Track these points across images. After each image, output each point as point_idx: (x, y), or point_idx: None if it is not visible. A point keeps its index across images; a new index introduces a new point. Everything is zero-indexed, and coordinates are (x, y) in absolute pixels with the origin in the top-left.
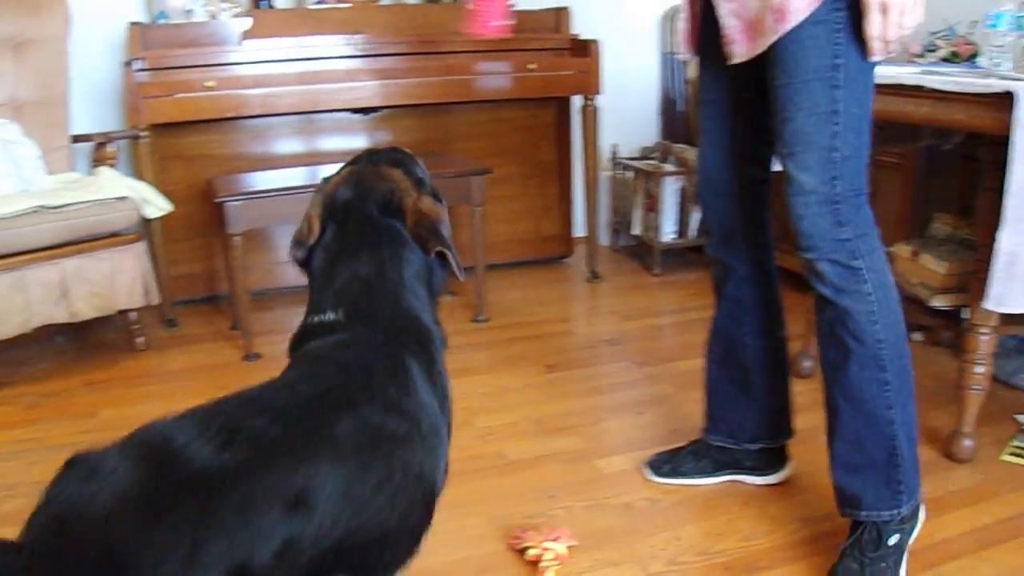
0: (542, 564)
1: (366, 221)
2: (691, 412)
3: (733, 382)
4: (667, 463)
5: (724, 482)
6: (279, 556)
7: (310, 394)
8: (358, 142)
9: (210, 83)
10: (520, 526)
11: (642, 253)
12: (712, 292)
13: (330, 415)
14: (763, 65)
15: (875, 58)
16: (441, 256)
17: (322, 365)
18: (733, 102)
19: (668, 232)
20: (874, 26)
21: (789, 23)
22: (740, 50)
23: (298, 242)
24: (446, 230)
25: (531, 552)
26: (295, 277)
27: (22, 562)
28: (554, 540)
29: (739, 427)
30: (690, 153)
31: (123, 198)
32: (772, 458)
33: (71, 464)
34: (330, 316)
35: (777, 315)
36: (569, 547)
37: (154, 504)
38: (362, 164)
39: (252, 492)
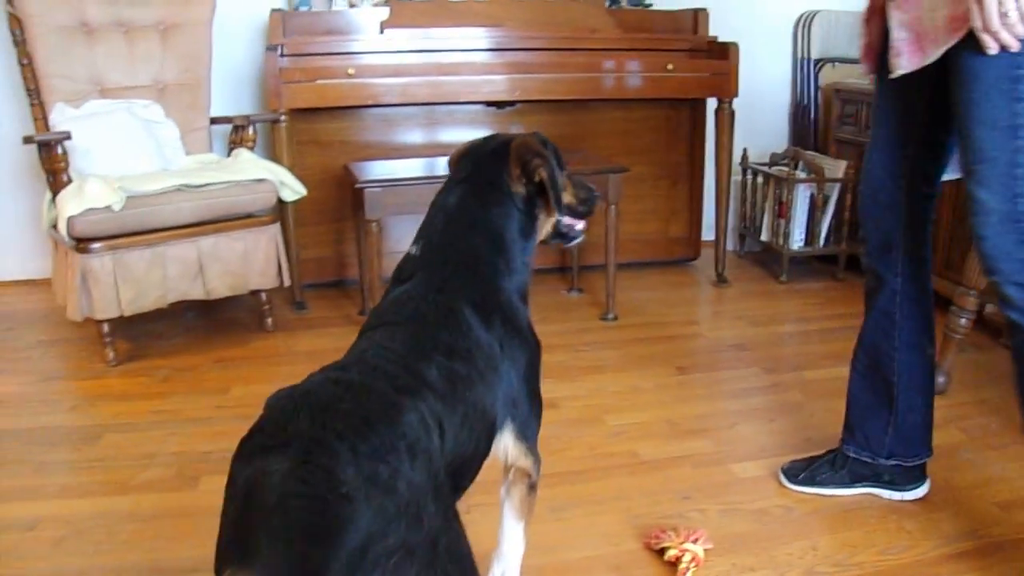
0: (681, 566)
1: (472, 162)
2: (822, 422)
3: (876, 395)
4: (803, 471)
5: (860, 494)
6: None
7: (401, 350)
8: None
9: (351, 71)
10: (657, 526)
11: (768, 260)
12: (862, 301)
13: (420, 365)
14: (939, 78)
15: None
16: (541, 191)
17: (394, 324)
18: (905, 114)
19: (797, 240)
20: None
21: (966, 29)
22: (905, 63)
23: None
24: (550, 160)
25: (670, 553)
26: None
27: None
28: (693, 542)
29: (878, 441)
30: (821, 160)
31: (261, 180)
32: (910, 474)
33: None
34: (413, 250)
35: (928, 332)
36: (706, 550)
37: (360, 406)
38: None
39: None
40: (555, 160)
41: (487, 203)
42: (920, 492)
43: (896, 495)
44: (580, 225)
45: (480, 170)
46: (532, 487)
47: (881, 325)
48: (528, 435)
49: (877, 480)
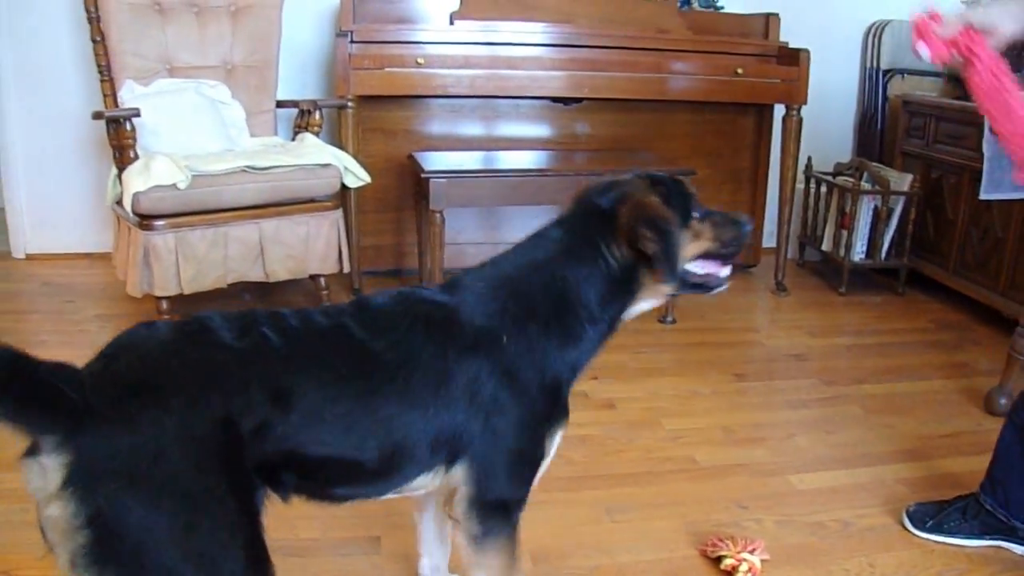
0: (737, 575)
1: (579, 209)
2: (881, 437)
3: None
4: (931, 517)
5: (989, 546)
6: (254, 432)
7: (325, 325)
8: (555, 131)
9: (420, 60)
10: (714, 534)
11: (828, 270)
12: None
13: (323, 344)
14: None
15: None
16: (646, 258)
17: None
18: None
19: (858, 252)
20: None
21: None
22: None
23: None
24: (666, 232)
25: (727, 562)
26: (479, 260)
27: (78, 377)
28: (751, 552)
29: (1018, 504)
30: (887, 172)
31: (326, 165)
32: None
33: (140, 324)
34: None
35: None
36: (763, 561)
37: (183, 354)
38: (630, 176)
39: (251, 375)
40: (680, 215)
41: (571, 259)
42: None
43: None
44: (725, 270)
45: (582, 221)
46: (474, 542)
47: None
48: (483, 485)
49: (1011, 535)
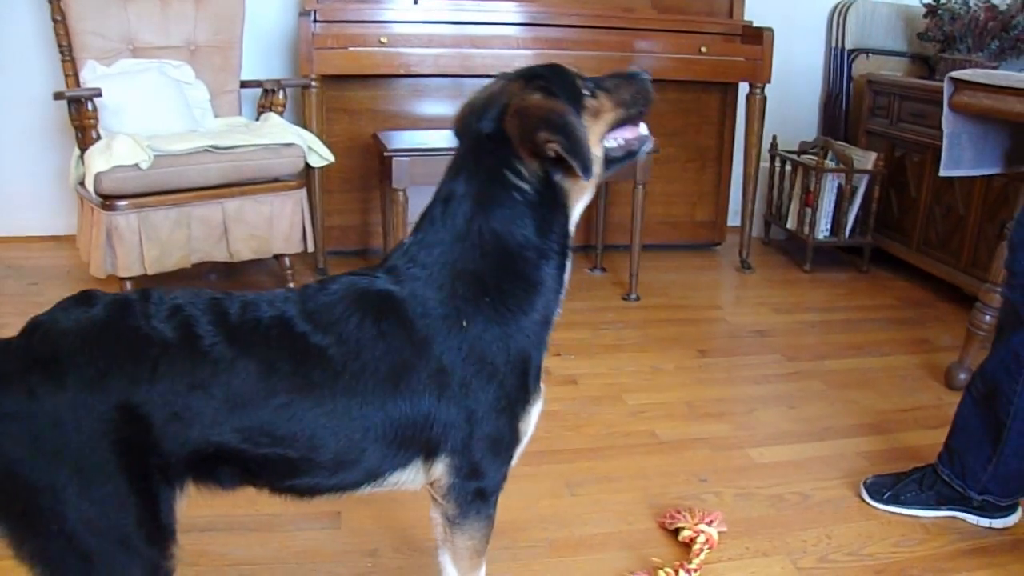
0: (695, 547)
1: (469, 145)
2: (843, 411)
3: (984, 429)
4: (888, 488)
5: (944, 517)
6: (169, 420)
7: (266, 315)
8: None
9: (383, 39)
10: (673, 506)
11: (793, 248)
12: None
13: (260, 336)
14: None
15: None
16: (556, 161)
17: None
18: None
19: (823, 230)
20: None
21: None
22: None
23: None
24: (563, 125)
25: (684, 534)
26: None
27: (3, 346)
28: (708, 524)
29: (973, 474)
30: (851, 151)
31: (290, 145)
32: (1000, 507)
33: (82, 294)
34: (406, 242)
35: None
36: (720, 533)
37: (97, 335)
38: (502, 81)
39: (164, 362)
40: (569, 100)
41: (489, 206)
42: (1011, 520)
43: (984, 521)
44: (641, 129)
45: (475, 160)
46: (451, 523)
47: (1007, 364)
48: (463, 473)
49: (966, 505)
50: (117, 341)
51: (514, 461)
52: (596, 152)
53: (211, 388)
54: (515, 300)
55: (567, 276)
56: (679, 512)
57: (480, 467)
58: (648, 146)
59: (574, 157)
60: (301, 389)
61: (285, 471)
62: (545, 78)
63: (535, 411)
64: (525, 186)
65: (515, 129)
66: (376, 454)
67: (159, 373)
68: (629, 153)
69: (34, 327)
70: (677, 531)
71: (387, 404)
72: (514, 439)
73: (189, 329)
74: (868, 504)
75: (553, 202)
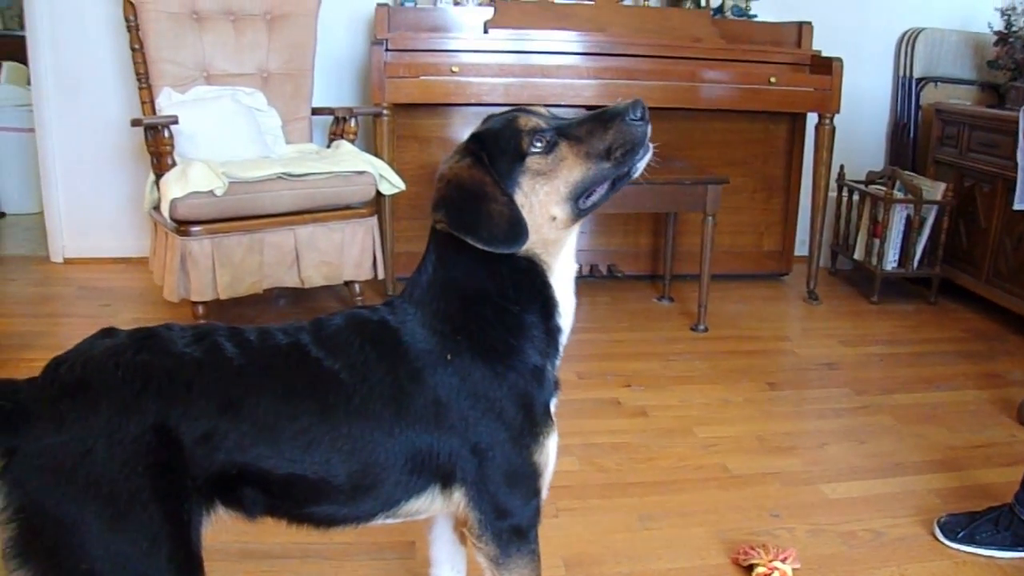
0: None
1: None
2: (913, 447)
3: None
4: (963, 528)
5: (1020, 559)
6: (199, 442)
7: (283, 342)
8: None
9: (455, 68)
10: (746, 542)
11: (860, 279)
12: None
13: (280, 360)
14: None
15: None
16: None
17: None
18: None
19: (890, 260)
20: None
21: None
22: None
23: None
24: (457, 202)
25: (759, 570)
26: None
27: (15, 387)
28: (783, 561)
29: None
30: (920, 181)
31: (362, 172)
32: None
33: (103, 330)
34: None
35: None
36: (794, 570)
37: (130, 357)
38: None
39: (197, 382)
40: (505, 161)
41: (447, 257)
42: None
43: None
44: (641, 158)
45: (433, 226)
46: (494, 564)
47: None
48: (487, 509)
49: None
50: (151, 362)
51: (544, 494)
52: (550, 211)
53: (241, 409)
54: (495, 341)
55: (560, 325)
56: (753, 548)
57: (504, 504)
58: (646, 160)
59: (465, 234)
60: (321, 411)
61: (304, 495)
62: (483, 140)
63: (550, 443)
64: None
65: (433, 208)
66: (391, 478)
67: (194, 393)
68: (611, 188)
69: (58, 362)
70: (751, 567)
71: (393, 428)
72: (532, 472)
73: (218, 352)
74: (942, 543)
75: (509, 256)
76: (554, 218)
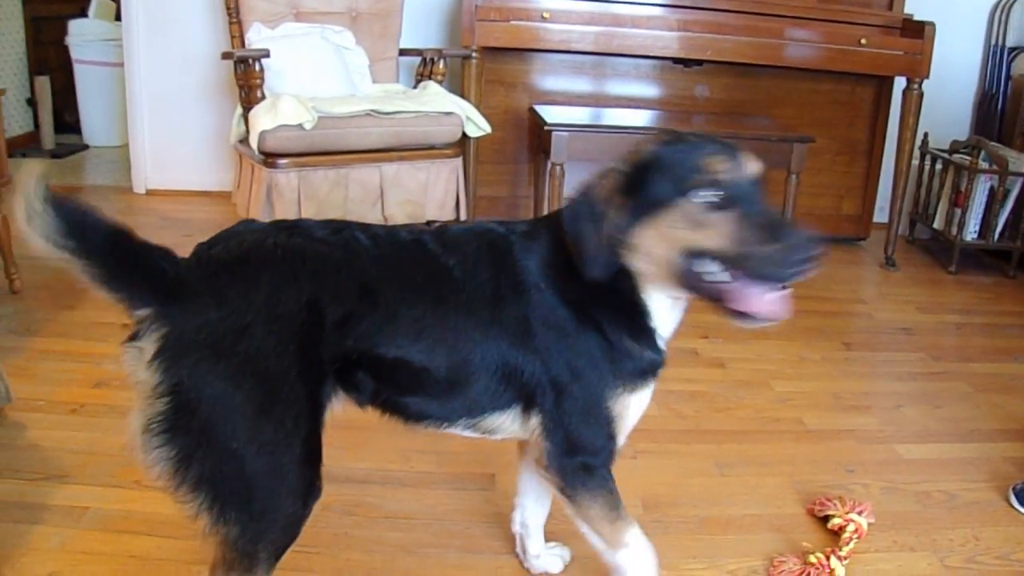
0: (844, 535)
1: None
2: (988, 415)
3: None
4: None
5: None
6: (338, 323)
7: (406, 238)
8: (672, 92)
9: (546, 14)
10: (822, 494)
11: (938, 248)
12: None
13: (404, 252)
14: None
15: None
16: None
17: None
18: None
19: (971, 231)
20: None
21: None
22: None
23: None
24: (578, 214)
25: (834, 521)
26: None
27: (176, 258)
28: (859, 513)
29: None
30: (1006, 152)
31: (449, 113)
32: None
33: (243, 222)
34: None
35: None
36: (869, 524)
37: (285, 240)
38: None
39: (343, 265)
40: (657, 196)
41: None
42: None
43: None
44: (768, 301)
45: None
46: (564, 496)
47: None
48: (559, 441)
49: None
50: (304, 244)
51: (621, 439)
52: (661, 252)
53: (376, 295)
54: (602, 304)
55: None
56: (829, 500)
57: (577, 440)
58: (757, 324)
59: (576, 249)
60: (433, 301)
61: (406, 382)
62: (645, 168)
63: (634, 398)
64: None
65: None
66: (481, 381)
67: (342, 276)
68: (719, 297)
69: (209, 244)
70: (827, 518)
71: (489, 330)
72: (607, 417)
73: (356, 242)
74: (1016, 510)
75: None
76: (667, 260)
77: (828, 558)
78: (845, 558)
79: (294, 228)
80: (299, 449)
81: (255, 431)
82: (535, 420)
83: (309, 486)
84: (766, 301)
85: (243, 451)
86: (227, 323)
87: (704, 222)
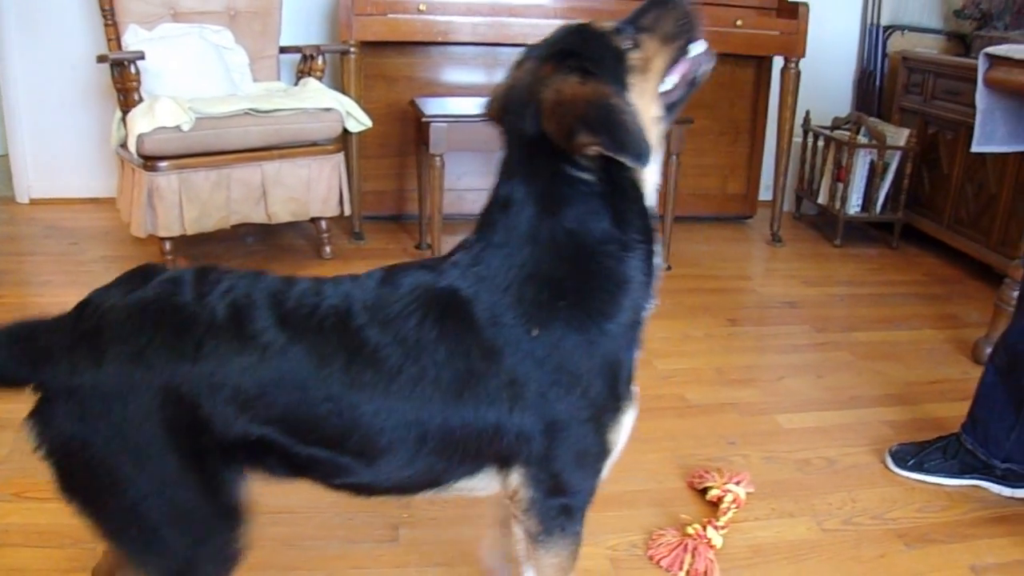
0: (723, 505)
1: (518, 139)
2: (869, 381)
3: (1008, 397)
4: (912, 456)
5: (967, 485)
6: (217, 403)
7: (324, 307)
8: None
9: (422, 7)
10: (702, 467)
11: (824, 223)
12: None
13: (319, 327)
14: None
15: None
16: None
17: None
18: None
19: (854, 205)
20: None
21: None
22: None
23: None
24: (606, 116)
25: (712, 492)
26: (478, 206)
27: (39, 328)
28: (736, 484)
29: (996, 443)
30: (884, 127)
31: (328, 109)
32: (1021, 477)
33: (144, 267)
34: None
35: None
36: (748, 493)
37: (140, 311)
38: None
39: (210, 341)
40: (612, 72)
41: (555, 205)
42: None
43: (1007, 490)
44: (698, 47)
45: (528, 162)
46: (534, 541)
47: None
48: (545, 487)
49: (989, 474)
50: (161, 317)
51: (604, 474)
52: (653, 111)
53: (258, 373)
54: (599, 302)
55: (657, 263)
56: (707, 472)
57: (564, 482)
58: (709, 64)
59: (622, 153)
60: (351, 387)
61: (332, 471)
62: (577, 53)
63: (627, 420)
64: (590, 177)
65: (554, 133)
66: (437, 461)
67: (203, 353)
68: (690, 85)
69: (85, 303)
70: (705, 490)
71: (447, 412)
72: (603, 451)
73: (244, 311)
74: (892, 471)
75: (623, 186)
76: (657, 118)
77: (705, 528)
78: (723, 528)
79: (172, 292)
80: (194, 511)
81: (138, 490)
82: (517, 474)
83: (221, 546)
84: (699, 50)
85: (132, 507)
86: (86, 393)
87: (647, 54)
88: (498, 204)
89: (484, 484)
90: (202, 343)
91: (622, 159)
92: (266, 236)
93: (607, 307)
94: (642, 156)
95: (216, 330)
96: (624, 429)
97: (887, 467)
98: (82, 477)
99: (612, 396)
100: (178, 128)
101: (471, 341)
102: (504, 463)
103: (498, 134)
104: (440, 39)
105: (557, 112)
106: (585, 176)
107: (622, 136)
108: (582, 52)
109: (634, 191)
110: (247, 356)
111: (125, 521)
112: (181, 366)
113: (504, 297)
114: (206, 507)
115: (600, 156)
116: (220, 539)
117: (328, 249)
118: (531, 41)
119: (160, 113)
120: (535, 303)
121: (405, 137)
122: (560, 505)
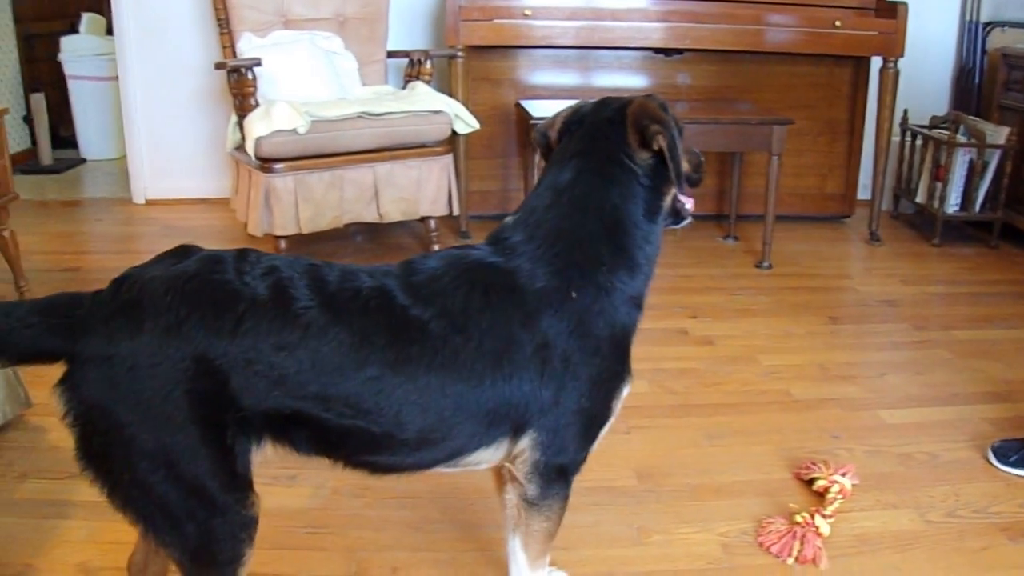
0: (829, 495)
1: (586, 132)
2: (970, 379)
3: None
4: (1015, 452)
5: None
6: (248, 377)
7: (366, 285)
8: (656, 81)
9: (527, 11)
10: (808, 459)
11: (922, 222)
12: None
13: (355, 304)
14: None
15: None
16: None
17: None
18: None
19: (952, 204)
20: None
21: None
22: None
23: (541, 132)
24: (670, 127)
25: (819, 483)
26: None
27: (79, 300)
28: (842, 475)
29: None
30: (983, 126)
31: (438, 112)
32: None
33: (179, 247)
34: (508, 220)
35: None
36: (853, 485)
37: (182, 285)
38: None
39: (248, 318)
40: (675, 126)
41: (607, 181)
42: None
43: None
44: (690, 203)
45: (596, 141)
46: (528, 503)
47: None
48: (550, 450)
49: None
50: (201, 292)
51: (596, 444)
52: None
53: (298, 352)
54: (626, 274)
55: (654, 267)
56: (814, 464)
57: (568, 444)
58: (688, 222)
59: (672, 157)
60: (396, 363)
61: (364, 446)
62: (660, 101)
63: (625, 391)
64: (639, 169)
65: (633, 115)
66: (465, 432)
67: (242, 329)
68: (679, 215)
69: (124, 277)
70: (812, 481)
71: (486, 381)
72: (606, 416)
73: (283, 290)
74: (994, 466)
75: (659, 189)
76: (670, 193)
77: (813, 517)
78: (830, 516)
79: (212, 268)
80: (206, 483)
81: (153, 461)
82: (528, 438)
83: (231, 517)
84: (691, 204)
85: (145, 478)
86: (117, 363)
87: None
88: (550, 179)
89: (493, 455)
90: (242, 319)
91: (670, 163)
92: (374, 235)
93: (633, 281)
94: (680, 175)
95: (258, 308)
96: (622, 400)
97: (989, 462)
98: (105, 444)
99: (623, 364)
100: (294, 131)
101: (514, 308)
102: (518, 430)
103: (543, 146)
104: (545, 43)
105: (644, 106)
106: (635, 167)
107: (677, 147)
108: (664, 104)
109: (664, 198)
110: (288, 334)
111: (142, 491)
112: (218, 340)
113: (548, 264)
114: (219, 477)
115: (649, 158)
116: (236, 514)
117: (436, 247)
118: (632, 44)
119: (277, 117)
120: (577, 266)
121: (510, 138)
122: (558, 466)
